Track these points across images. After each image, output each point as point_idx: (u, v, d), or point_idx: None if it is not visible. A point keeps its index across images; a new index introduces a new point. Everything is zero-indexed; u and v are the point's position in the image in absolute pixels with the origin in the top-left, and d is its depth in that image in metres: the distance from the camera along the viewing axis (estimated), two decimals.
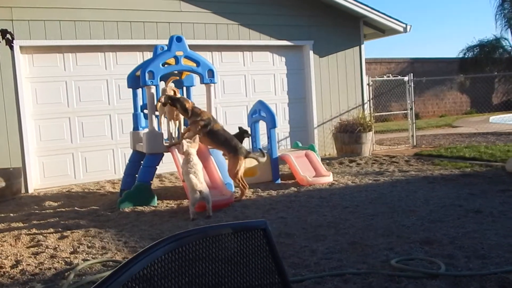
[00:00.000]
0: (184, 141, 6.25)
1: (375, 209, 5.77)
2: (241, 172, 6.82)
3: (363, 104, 11.67)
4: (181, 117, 7.08)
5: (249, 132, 8.07)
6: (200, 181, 5.88)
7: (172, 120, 7.21)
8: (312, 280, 3.59)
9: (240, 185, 6.81)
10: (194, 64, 7.05)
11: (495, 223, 4.89)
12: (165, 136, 7.21)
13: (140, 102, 7.70)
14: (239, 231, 1.40)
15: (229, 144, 6.78)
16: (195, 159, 6.10)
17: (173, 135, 7.29)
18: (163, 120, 7.39)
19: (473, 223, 4.94)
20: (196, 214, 5.84)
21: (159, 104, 6.96)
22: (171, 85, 7.33)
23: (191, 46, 7.24)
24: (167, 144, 7.00)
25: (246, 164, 7.08)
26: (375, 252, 4.17)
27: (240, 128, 7.79)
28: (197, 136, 6.51)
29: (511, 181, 7.02)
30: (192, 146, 6.21)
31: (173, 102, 6.73)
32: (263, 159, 7.24)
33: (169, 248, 1.19)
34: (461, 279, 3.47)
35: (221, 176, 6.71)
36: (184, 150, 6.13)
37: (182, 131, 7.28)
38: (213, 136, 6.74)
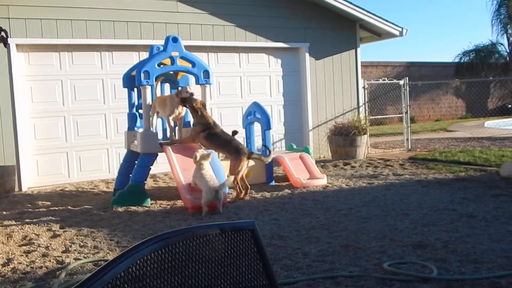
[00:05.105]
0: (198, 152, 6.35)
1: (369, 212, 5.77)
2: (242, 173, 6.82)
3: (358, 107, 11.69)
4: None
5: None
6: (215, 182, 6.08)
7: (172, 119, 7.20)
8: (304, 282, 3.58)
9: (238, 187, 6.80)
10: (190, 65, 7.05)
11: (489, 228, 4.89)
12: (160, 136, 7.20)
13: (135, 102, 7.68)
14: (227, 231, 1.39)
15: (229, 146, 6.80)
16: (207, 167, 6.29)
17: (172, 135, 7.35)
18: (156, 120, 7.36)
19: (467, 227, 4.95)
20: (208, 213, 5.98)
21: (152, 103, 6.99)
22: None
23: (187, 47, 7.23)
24: (164, 142, 7.02)
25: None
26: (368, 255, 4.17)
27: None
28: (212, 151, 6.63)
29: (505, 186, 7.04)
30: (205, 159, 6.31)
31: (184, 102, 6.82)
32: (268, 159, 7.32)
33: (156, 247, 1.18)
34: (453, 283, 3.47)
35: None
36: (197, 161, 6.25)
37: (180, 132, 7.29)
38: (212, 139, 6.79)
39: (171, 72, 7.55)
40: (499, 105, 24.43)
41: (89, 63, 9.12)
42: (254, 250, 1.43)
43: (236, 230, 1.40)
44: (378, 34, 12.13)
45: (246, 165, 6.87)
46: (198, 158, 6.27)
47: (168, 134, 7.44)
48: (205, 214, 5.95)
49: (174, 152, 6.78)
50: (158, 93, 7.67)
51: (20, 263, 4.35)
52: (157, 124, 7.48)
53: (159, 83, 7.71)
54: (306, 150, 8.70)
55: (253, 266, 1.43)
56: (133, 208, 6.46)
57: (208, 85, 7.25)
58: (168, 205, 6.71)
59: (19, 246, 4.96)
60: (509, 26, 24.86)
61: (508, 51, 25.19)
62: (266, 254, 1.43)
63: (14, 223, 5.92)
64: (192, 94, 6.79)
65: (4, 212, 6.58)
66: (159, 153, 7.01)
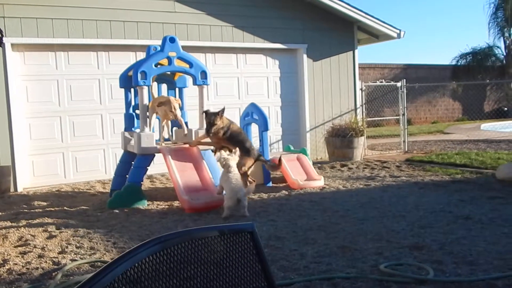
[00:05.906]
0: (224, 154, 6.29)
1: (366, 214, 5.77)
2: (246, 170, 6.84)
3: (355, 109, 11.70)
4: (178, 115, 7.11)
5: None
6: (240, 188, 5.99)
7: (165, 121, 7.23)
8: (301, 283, 3.58)
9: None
10: (187, 65, 7.03)
11: (484, 230, 4.90)
12: (156, 136, 7.19)
13: (132, 102, 7.66)
14: (226, 233, 1.38)
15: (243, 145, 6.84)
16: (235, 170, 6.19)
17: (168, 136, 7.32)
18: (154, 120, 7.35)
19: (463, 229, 4.96)
20: (229, 213, 5.90)
21: (150, 104, 6.97)
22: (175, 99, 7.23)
23: (184, 47, 7.21)
24: (188, 143, 7.03)
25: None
26: (365, 257, 4.17)
27: None
28: (238, 149, 6.55)
29: (501, 188, 7.06)
30: (232, 159, 6.24)
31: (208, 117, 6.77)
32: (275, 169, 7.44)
33: (154, 250, 1.18)
34: (450, 285, 3.48)
35: (212, 178, 6.69)
36: (224, 163, 6.17)
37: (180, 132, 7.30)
38: (229, 139, 6.87)
39: (168, 73, 7.54)
40: (495, 108, 24.53)
41: (85, 63, 9.08)
42: (253, 252, 1.42)
43: (235, 232, 1.39)
44: (376, 36, 12.14)
45: (252, 166, 6.93)
46: (223, 161, 6.19)
47: (166, 135, 7.43)
48: (226, 215, 5.88)
49: (171, 153, 6.76)
50: (155, 94, 7.65)
51: (16, 264, 4.33)
52: (154, 124, 7.46)
53: (155, 84, 7.70)
54: (304, 152, 8.70)
55: (252, 268, 1.42)
56: (129, 209, 6.43)
57: (205, 86, 7.24)
58: (165, 206, 6.69)
59: (15, 247, 4.93)
60: (506, 29, 24.99)
61: (504, 54, 25.30)
62: (265, 256, 1.42)
63: (10, 224, 5.89)
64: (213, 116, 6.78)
65: (0, 213, 6.55)
66: (156, 154, 6.99)
